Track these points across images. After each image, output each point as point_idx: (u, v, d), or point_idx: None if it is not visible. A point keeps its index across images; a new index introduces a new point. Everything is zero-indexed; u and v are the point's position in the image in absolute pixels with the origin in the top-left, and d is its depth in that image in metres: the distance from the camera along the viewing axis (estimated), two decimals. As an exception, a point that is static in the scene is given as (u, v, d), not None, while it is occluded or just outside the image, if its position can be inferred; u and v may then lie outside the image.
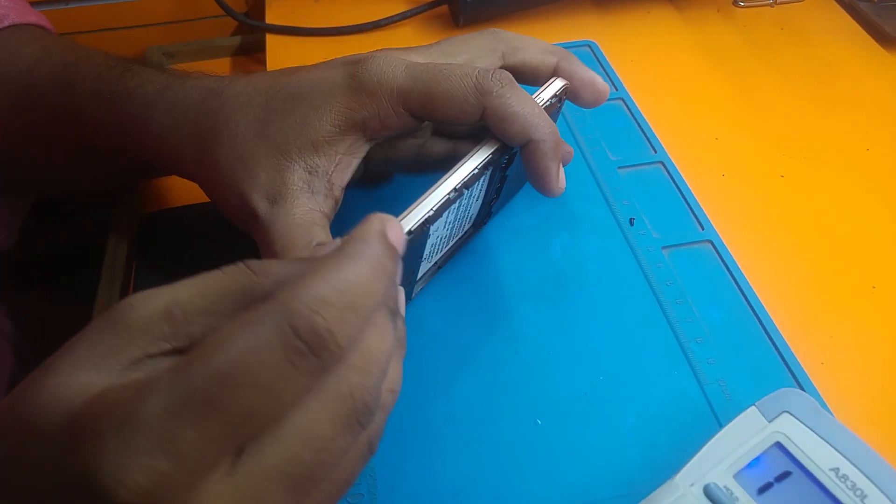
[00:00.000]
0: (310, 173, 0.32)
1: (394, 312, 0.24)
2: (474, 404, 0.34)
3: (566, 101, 0.38)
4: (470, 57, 0.36)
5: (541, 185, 0.34)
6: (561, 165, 0.34)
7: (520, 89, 0.33)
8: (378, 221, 0.22)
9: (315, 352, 0.19)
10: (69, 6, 0.61)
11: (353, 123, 0.32)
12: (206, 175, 0.33)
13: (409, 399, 0.33)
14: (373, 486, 0.31)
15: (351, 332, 0.20)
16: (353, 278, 0.20)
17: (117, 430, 0.18)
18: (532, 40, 0.37)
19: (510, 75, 0.33)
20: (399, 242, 0.23)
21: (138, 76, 0.35)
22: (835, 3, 0.60)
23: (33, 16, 0.43)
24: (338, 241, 0.23)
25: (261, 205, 0.31)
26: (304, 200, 0.31)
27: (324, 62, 0.35)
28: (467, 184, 0.31)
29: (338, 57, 0.35)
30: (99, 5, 0.62)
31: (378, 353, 0.22)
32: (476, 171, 0.31)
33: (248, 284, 0.21)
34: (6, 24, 0.40)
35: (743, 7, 0.60)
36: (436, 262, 0.37)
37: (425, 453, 0.32)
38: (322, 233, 0.31)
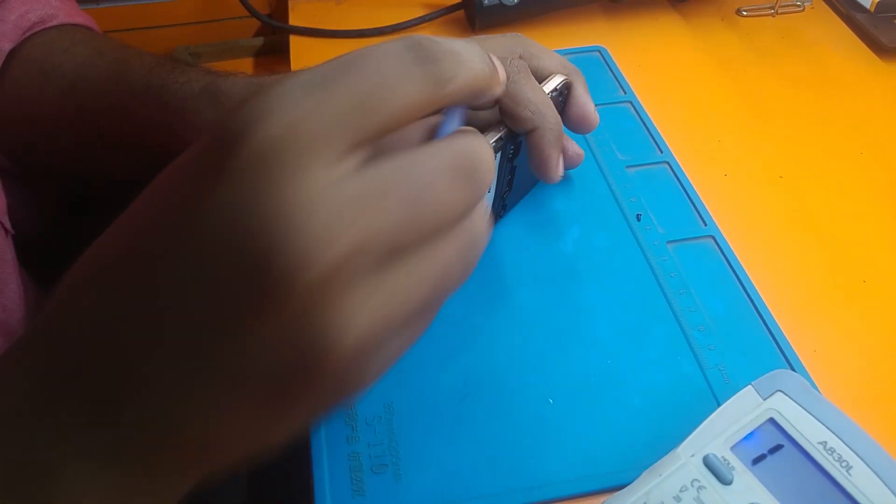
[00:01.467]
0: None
1: None
2: (491, 385, 0.36)
3: None
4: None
5: (542, 171, 0.37)
6: (560, 155, 0.37)
7: (533, 79, 0.35)
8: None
9: (430, 60, 0.21)
10: (100, 6, 0.63)
11: None
12: None
13: (430, 380, 0.36)
14: (396, 458, 0.33)
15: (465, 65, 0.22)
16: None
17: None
18: (550, 53, 0.40)
19: (526, 65, 0.35)
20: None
21: (185, 73, 0.38)
22: (833, 14, 0.63)
23: (81, 17, 0.45)
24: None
25: None
26: None
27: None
28: None
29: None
30: (128, 6, 0.64)
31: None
32: None
33: None
34: (55, 22, 0.43)
35: (746, 16, 0.62)
36: None
37: (445, 429, 0.34)
38: None
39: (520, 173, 0.40)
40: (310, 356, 0.19)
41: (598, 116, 0.41)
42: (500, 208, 0.42)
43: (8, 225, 0.37)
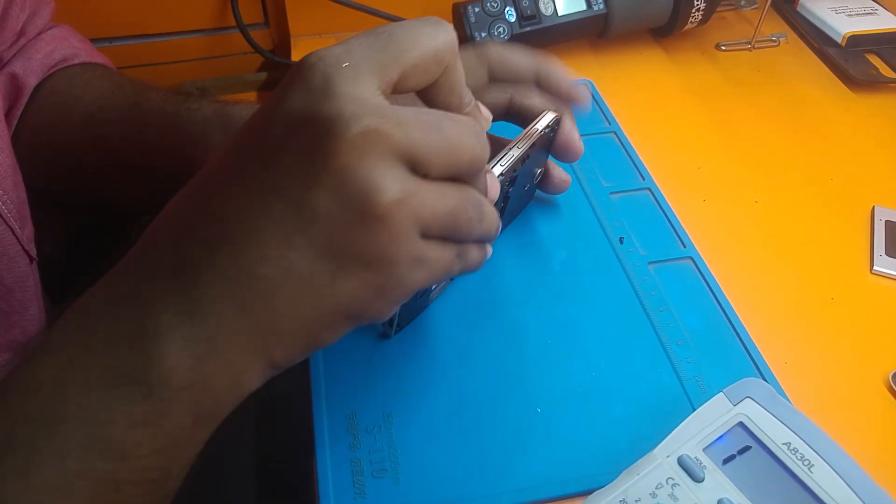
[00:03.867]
0: None
1: None
2: (483, 395, 0.38)
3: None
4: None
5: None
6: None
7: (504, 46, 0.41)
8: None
9: None
10: (113, 44, 0.66)
11: None
12: None
13: (427, 391, 0.38)
14: (395, 463, 0.36)
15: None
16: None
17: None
18: (560, 76, 0.44)
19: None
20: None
21: (197, 101, 0.41)
22: (806, 48, 0.66)
23: (100, 57, 0.49)
24: None
25: None
26: None
27: None
28: None
29: None
30: (138, 44, 0.67)
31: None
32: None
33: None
34: (77, 61, 0.46)
35: (724, 50, 0.66)
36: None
37: (441, 436, 0.37)
38: None
39: (512, 202, 0.43)
40: (356, 202, 0.24)
41: (583, 146, 0.44)
42: None
43: (33, 252, 0.39)
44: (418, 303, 0.40)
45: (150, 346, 0.24)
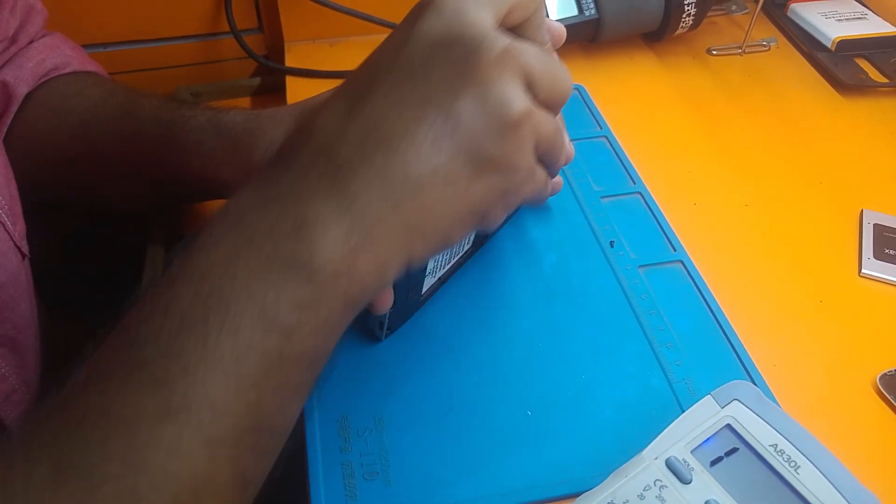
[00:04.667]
0: None
1: None
2: (473, 398, 0.39)
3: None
4: None
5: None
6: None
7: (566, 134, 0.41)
8: None
9: None
10: (107, 49, 0.67)
11: None
12: (240, 178, 0.40)
13: (417, 394, 0.39)
14: (386, 466, 0.36)
15: None
16: None
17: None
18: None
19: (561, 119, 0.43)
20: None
21: (191, 109, 0.42)
22: (796, 52, 0.67)
23: (92, 65, 0.49)
24: None
25: None
26: None
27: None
28: None
29: None
30: (132, 49, 0.68)
31: None
32: None
33: None
34: (69, 69, 0.47)
35: (715, 55, 0.66)
36: (439, 278, 0.42)
37: (432, 439, 0.37)
38: None
39: None
40: (496, 111, 0.27)
41: (573, 150, 0.44)
42: (484, 237, 0.45)
43: (25, 248, 0.40)
44: (409, 303, 0.40)
45: (313, 235, 0.26)
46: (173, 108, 0.43)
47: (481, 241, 0.45)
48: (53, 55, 0.46)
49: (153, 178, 0.45)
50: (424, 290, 0.41)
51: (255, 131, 0.41)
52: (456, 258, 0.43)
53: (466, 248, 0.43)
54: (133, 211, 0.50)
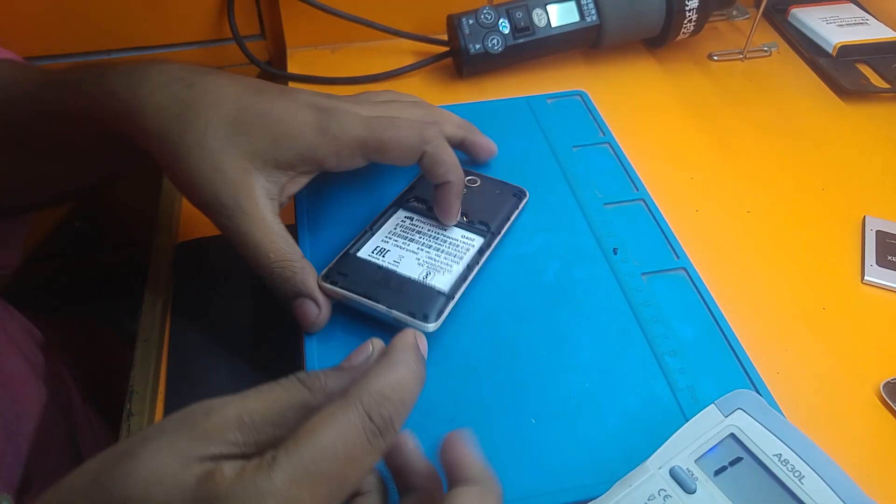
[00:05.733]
0: (269, 182, 0.40)
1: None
2: (477, 406, 0.39)
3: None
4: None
5: (445, 216, 0.44)
6: (460, 205, 0.44)
7: (446, 143, 0.42)
8: (411, 335, 0.30)
9: (383, 433, 0.26)
10: (110, 56, 0.67)
11: (314, 157, 0.40)
12: (169, 155, 0.39)
13: (421, 402, 0.38)
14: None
15: (403, 417, 0.28)
16: (402, 380, 0.28)
17: (253, 495, 0.23)
18: (450, 115, 0.49)
19: (441, 129, 0.44)
20: (424, 350, 0.31)
21: (101, 67, 0.40)
22: (798, 58, 0.67)
23: (6, 53, 0.48)
24: (376, 343, 0.32)
25: (229, 200, 0.38)
26: (264, 202, 0.39)
27: (290, 91, 0.42)
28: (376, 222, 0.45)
29: (302, 90, 0.43)
30: (136, 55, 0.68)
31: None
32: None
33: (307, 399, 0.28)
34: None
35: (717, 61, 0.67)
36: (468, 265, 0.43)
37: (434, 448, 0.37)
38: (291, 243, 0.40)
39: (475, 205, 0.46)
40: None
41: (495, 146, 0.51)
42: (485, 231, 0.45)
43: None
44: None
45: None
46: (82, 70, 0.41)
47: (484, 234, 0.45)
48: None
49: (76, 150, 0.44)
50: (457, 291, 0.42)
51: (184, 102, 0.39)
52: (471, 252, 0.44)
53: (471, 239, 0.45)
54: (66, 191, 0.49)
